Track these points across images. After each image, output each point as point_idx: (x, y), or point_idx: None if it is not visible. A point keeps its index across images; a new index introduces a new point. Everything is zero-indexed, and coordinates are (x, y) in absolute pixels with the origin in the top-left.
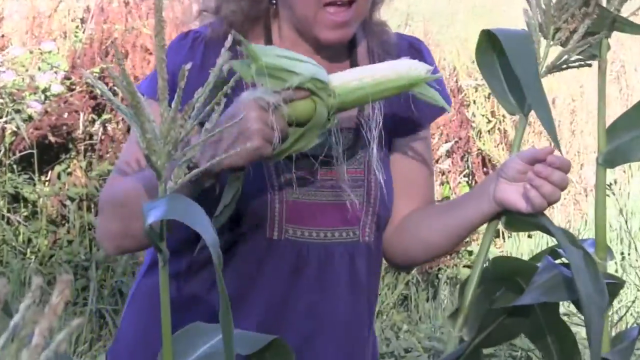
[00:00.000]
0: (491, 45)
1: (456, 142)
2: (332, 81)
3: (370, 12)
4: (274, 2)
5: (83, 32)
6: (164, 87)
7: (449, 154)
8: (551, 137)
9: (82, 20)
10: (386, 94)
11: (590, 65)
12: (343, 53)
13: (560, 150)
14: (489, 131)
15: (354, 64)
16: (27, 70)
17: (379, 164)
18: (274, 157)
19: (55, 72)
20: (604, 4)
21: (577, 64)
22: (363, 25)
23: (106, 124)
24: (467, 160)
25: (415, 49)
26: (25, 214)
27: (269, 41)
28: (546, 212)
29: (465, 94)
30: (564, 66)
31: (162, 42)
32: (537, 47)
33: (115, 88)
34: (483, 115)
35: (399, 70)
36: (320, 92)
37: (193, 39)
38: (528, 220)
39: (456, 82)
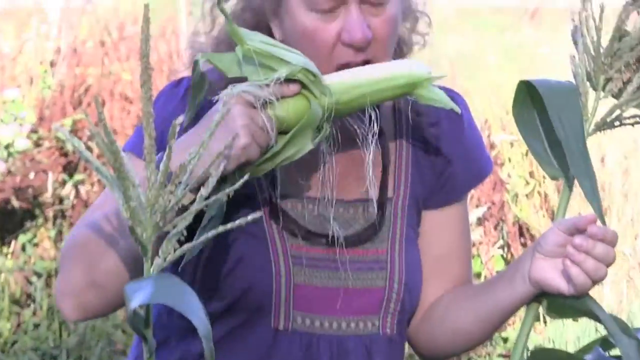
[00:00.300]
0: (530, 98)
1: (489, 207)
2: (326, 79)
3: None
4: None
5: (52, 77)
6: (151, 147)
7: (480, 221)
8: (594, 209)
9: (52, 64)
10: (386, 94)
11: None
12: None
13: (603, 221)
14: (527, 195)
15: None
16: None
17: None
18: (262, 166)
19: (20, 125)
20: None
21: (631, 120)
22: None
23: (79, 186)
24: (502, 229)
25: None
26: None
27: None
28: (594, 290)
29: (499, 151)
30: (617, 123)
31: (149, 93)
32: (584, 100)
33: (90, 143)
34: (520, 177)
35: (399, 69)
36: (313, 87)
37: (187, 88)
38: (572, 304)
39: (488, 136)
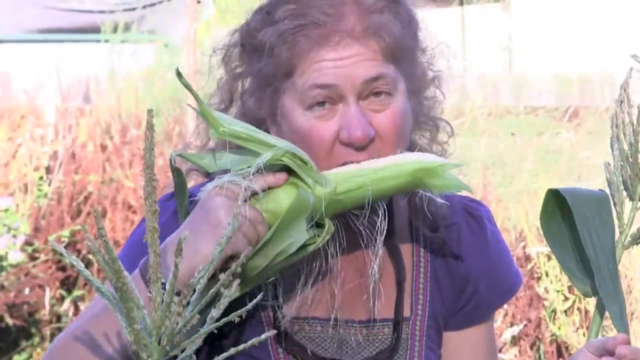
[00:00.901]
0: (559, 209)
1: (525, 325)
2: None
3: None
4: None
5: (49, 185)
6: (157, 265)
7: (515, 341)
8: (618, 329)
9: (48, 170)
10: (391, 183)
11: None
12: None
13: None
14: (565, 312)
15: (388, 239)
16: None
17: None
18: (255, 261)
19: (14, 236)
20: None
21: None
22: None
23: (78, 303)
24: (539, 349)
25: (472, 215)
26: None
27: None
28: None
29: (536, 264)
30: None
31: (154, 206)
32: (620, 210)
33: (91, 256)
34: (558, 292)
35: (407, 159)
36: (305, 175)
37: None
38: None
39: (523, 248)
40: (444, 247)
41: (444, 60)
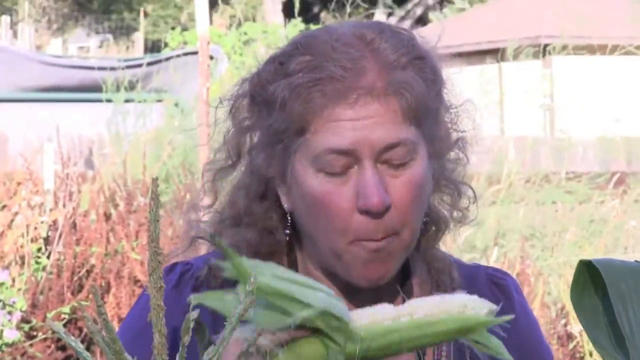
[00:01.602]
0: (592, 282)
1: None
2: (356, 319)
3: (426, 238)
4: (288, 232)
5: (48, 257)
6: (162, 345)
7: None
8: None
9: (47, 241)
10: (429, 340)
11: None
12: (390, 292)
13: None
14: None
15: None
16: None
17: None
18: None
19: (9, 313)
20: None
21: None
22: (422, 257)
23: None
24: None
25: (498, 285)
26: None
27: None
28: None
29: (579, 343)
30: None
31: (159, 282)
32: None
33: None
34: None
35: (449, 307)
36: (335, 334)
37: (180, 274)
38: None
39: (564, 326)
40: None
41: (470, 120)
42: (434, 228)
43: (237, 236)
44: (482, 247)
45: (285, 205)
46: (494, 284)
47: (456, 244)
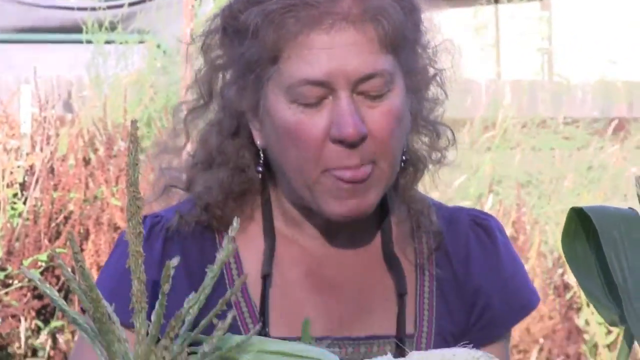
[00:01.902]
0: (583, 230)
1: None
2: None
3: (404, 177)
4: (260, 169)
5: (24, 203)
6: (141, 292)
7: None
8: None
9: (23, 186)
10: None
11: None
12: (369, 230)
13: None
14: (608, 346)
15: (386, 249)
16: None
17: None
18: None
19: None
20: None
21: None
22: (401, 198)
23: (57, 335)
24: None
25: (481, 226)
26: None
27: (269, 220)
28: None
29: (575, 293)
30: None
31: (138, 228)
32: None
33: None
34: (600, 324)
35: (456, 355)
36: None
37: (150, 227)
38: None
39: (561, 276)
40: (451, 261)
41: (449, 58)
42: (412, 168)
43: (210, 179)
44: (477, 194)
45: (258, 142)
46: (477, 225)
47: (450, 191)
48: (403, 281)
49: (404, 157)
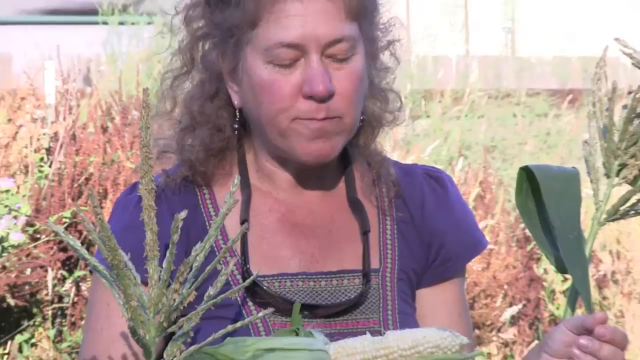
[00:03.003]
0: (531, 187)
1: (524, 305)
2: (334, 355)
3: (363, 135)
4: (236, 127)
5: (49, 166)
6: (154, 242)
7: (514, 320)
8: (585, 305)
9: (49, 151)
10: None
11: None
12: (334, 180)
13: (591, 311)
14: (564, 292)
15: (350, 194)
16: None
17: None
18: None
19: (15, 217)
20: None
21: None
22: (362, 153)
23: (80, 283)
24: (537, 329)
25: (433, 177)
26: None
27: (244, 175)
28: None
29: (535, 245)
30: (632, 212)
31: (150, 185)
32: (595, 187)
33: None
34: (556, 272)
35: (423, 349)
36: None
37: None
38: None
39: (523, 230)
40: (408, 206)
41: (397, 32)
42: (369, 128)
43: (193, 139)
44: (448, 158)
45: (235, 102)
46: (429, 177)
47: (424, 156)
48: (366, 221)
49: (362, 117)
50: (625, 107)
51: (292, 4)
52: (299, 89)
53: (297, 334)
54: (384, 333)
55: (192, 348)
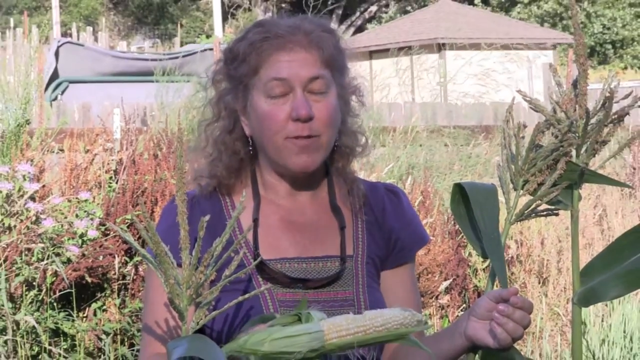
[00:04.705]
0: (462, 197)
1: (454, 279)
2: (327, 331)
3: (340, 160)
4: (251, 149)
5: (116, 183)
6: (186, 237)
7: (447, 290)
8: (501, 283)
9: (115, 172)
10: (371, 343)
11: (557, 214)
12: (320, 191)
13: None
14: (484, 269)
15: (332, 201)
16: (65, 218)
17: (366, 288)
18: None
19: (91, 219)
20: (574, 159)
21: (544, 212)
22: (338, 172)
23: (138, 266)
24: (465, 296)
25: (392, 192)
26: (65, 347)
27: (255, 187)
28: (535, 341)
29: (462, 237)
30: (532, 214)
31: (183, 196)
32: (507, 197)
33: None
34: (478, 255)
35: (391, 326)
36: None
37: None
38: (500, 354)
39: (454, 225)
40: (374, 211)
41: (362, 83)
42: (344, 156)
43: (219, 164)
44: (399, 175)
45: (247, 131)
46: (389, 191)
47: (382, 174)
48: (343, 220)
49: (337, 144)
50: (523, 137)
51: (282, 54)
52: (289, 115)
53: (299, 319)
54: (363, 312)
55: (214, 312)
